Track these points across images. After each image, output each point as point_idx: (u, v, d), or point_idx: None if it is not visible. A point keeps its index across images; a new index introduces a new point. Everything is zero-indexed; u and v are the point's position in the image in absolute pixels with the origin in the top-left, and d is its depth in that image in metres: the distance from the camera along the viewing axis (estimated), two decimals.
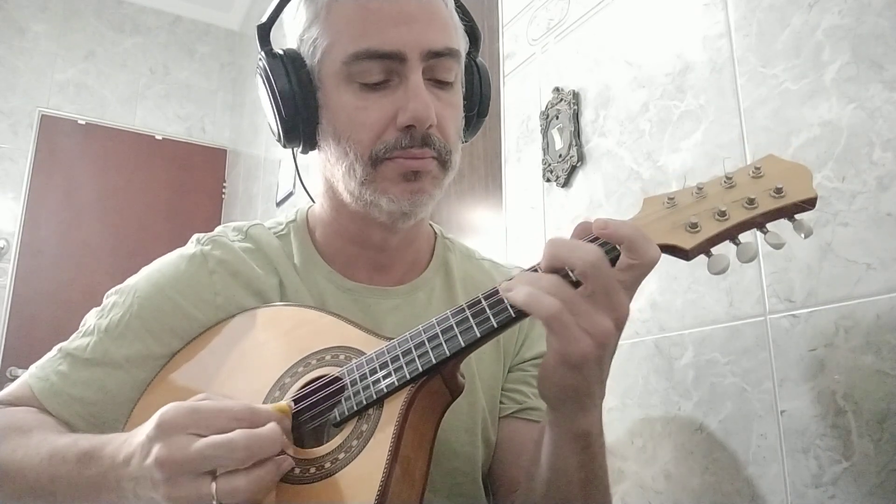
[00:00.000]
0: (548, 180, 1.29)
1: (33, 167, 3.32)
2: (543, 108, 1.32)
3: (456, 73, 0.71)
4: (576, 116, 1.24)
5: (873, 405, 0.73)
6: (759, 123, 0.90)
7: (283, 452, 0.58)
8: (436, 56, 0.68)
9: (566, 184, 1.25)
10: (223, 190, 3.81)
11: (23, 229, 3.24)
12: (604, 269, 0.50)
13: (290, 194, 2.79)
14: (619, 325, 0.51)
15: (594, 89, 1.22)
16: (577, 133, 1.23)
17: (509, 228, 1.41)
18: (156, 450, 0.50)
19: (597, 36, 1.23)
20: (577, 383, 0.52)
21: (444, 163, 0.69)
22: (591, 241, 0.54)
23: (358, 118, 0.67)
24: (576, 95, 1.25)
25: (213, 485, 0.49)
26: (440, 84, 0.70)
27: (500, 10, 1.54)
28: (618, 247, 0.52)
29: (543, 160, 1.30)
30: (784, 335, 0.83)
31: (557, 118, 1.28)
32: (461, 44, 0.73)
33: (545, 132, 1.31)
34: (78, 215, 3.38)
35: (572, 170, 1.23)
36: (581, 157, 1.22)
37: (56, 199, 3.35)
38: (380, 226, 0.72)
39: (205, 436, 0.50)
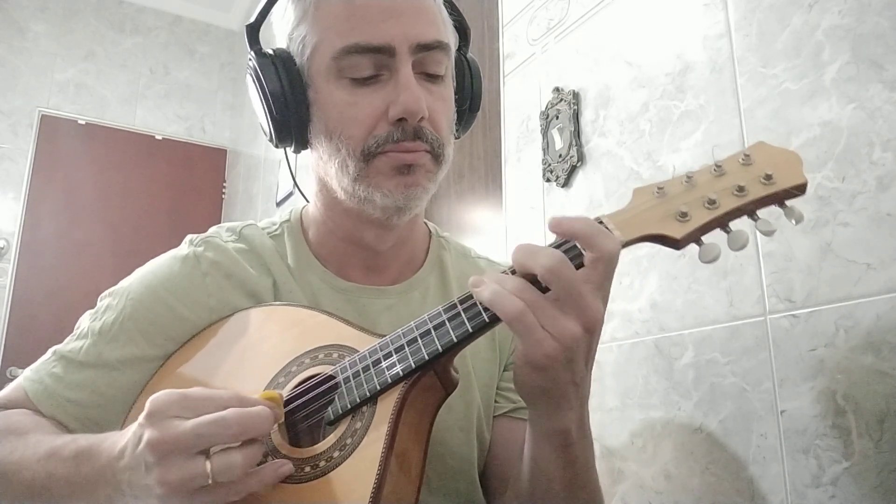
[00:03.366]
0: (548, 180, 1.29)
1: (33, 167, 3.32)
2: (543, 108, 1.32)
3: (446, 66, 0.71)
4: (576, 116, 1.24)
5: (873, 405, 0.72)
6: (759, 123, 0.90)
7: (278, 453, 0.58)
8: (425, 49, 0.68)
9: (566, 184, 1.25)
10: (223, 190, 3.81)
11: (23, 229, 3.24)
12: (564, 272, 0.49)
13: (290, 194, 2.79)
14: (589, 327, 0.50)
15: (594, 89, 1.22)
16: (577, 133, 1.23)
17: (509, 228, 1.41)
18: (147, 434, 0.50)
19: (597, 36, 1.23)
20: (544, 384, 0.52)
21: (437, 156, 0.69)
22: (562, 242, 0.54)
23: (349, 113, 0.67)
24: (576, 95, 1.25)
25: (208, 463, 0.49)
26: (431, 77, 0.69)
27: (500, 10, 1.54)
28: (576, 244, 0.52)
29: (543, 160, 1.30)
30: (784, 335, 0.83)
31: (557, 118, 1.28)
32: (450, 38, 0.73)
33: (545, 132, 1.31)
34: (78, 215, 3.37)
35: (572, 170, 1.23)
36: (581, 157, 1.22)
37: (56, 199, 3.34)
38: (374, 223, 0.72)
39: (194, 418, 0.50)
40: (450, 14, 0.75)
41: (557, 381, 0.52)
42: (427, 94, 0.68)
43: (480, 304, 0.55)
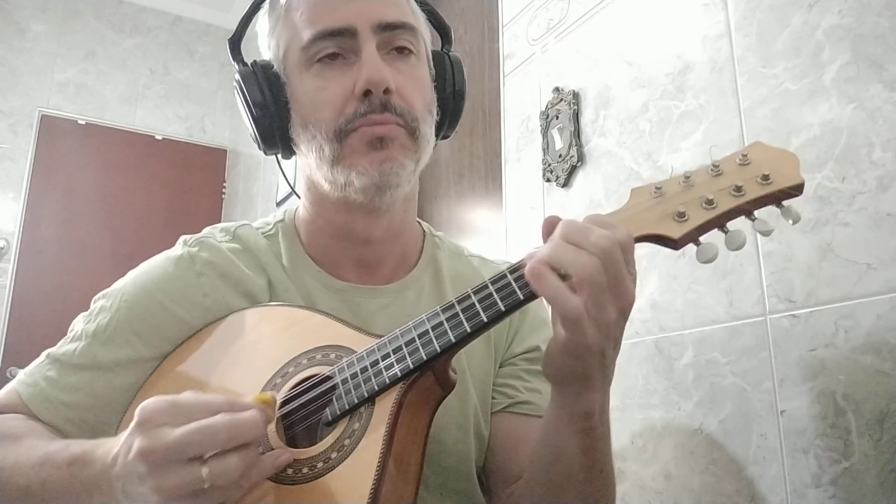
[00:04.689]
0: (548, 180, 1.29)
1: (33, 167, 3.31)
2: (543, 108, 1.32)
3: (415, 46, 0.73)
4: (576, 116, 1.24)
5: (873, 405, 0.72)
6: (759, 123, 0.90)
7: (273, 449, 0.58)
8: (388, 28, 0.70)
9: (566, 184, 1.24)
10: (223, 190, 3.81)
11: (23, 229, 3.23)
12: (616, 256, 0.49)
13: (290, 194, 2.79)
14: (623, 312, 0.51)
15: (594, 89, 1.22)
16: (577, 133, 1.23)
17: (509, 228, 1.41)
18: (137, 443, 0.49)
19: (597, 36, 1.23)
20: (578, 369, 0.53)
21: (411, 131, 0.70)
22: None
23: (319, 98, 0.69)
24: (576, 95, 1.25)
25: (203, 468, 0.48)
26: (399, 57, 0.71)
27: (500, 10, 1.54)
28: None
29: (543, 160, 1.30)
30: (784, 335, 0.83)
31: (557, 118, 1.28)
32: (419, 24, 0.75)
33: (545, 132, 1.30)
34: (78, 215, 3.37)
35: (572, 170, 1.23)
36: (581, 157, 1.22)
37: (56, 199, 3.34)
38: (360, 209, 0.72)
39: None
40: (425, 11, 0.77)
41: (589, 366, 0.53)
42: (396, 72, 0.69)
43: (479, 303, 0.55)
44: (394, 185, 0.70)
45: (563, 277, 0.50)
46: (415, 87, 0.71)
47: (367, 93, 0.67)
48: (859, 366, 0.74)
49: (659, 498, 0.97)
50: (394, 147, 0.69)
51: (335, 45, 0.69)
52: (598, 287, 0.49)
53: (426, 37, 0.77)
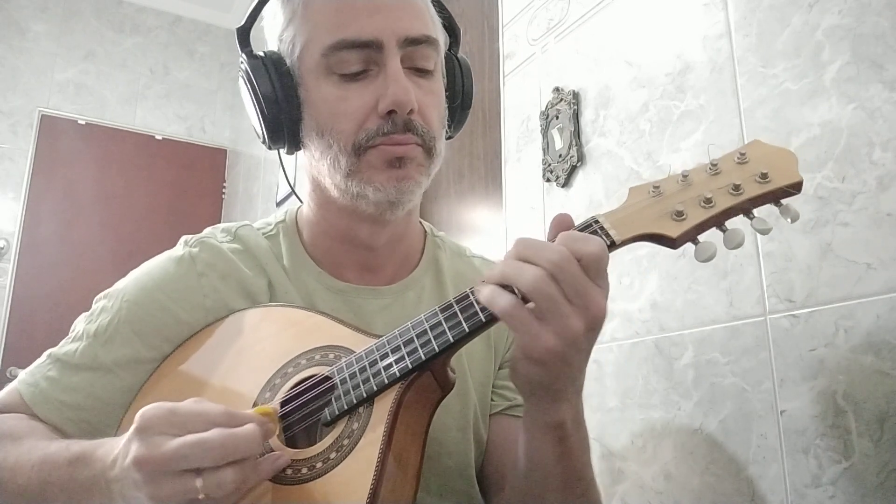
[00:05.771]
0: (548, 180, 1.29)
1: (33, 167, 3.31)
2: (543, 108, 1.32)
3: (435, 61, 0.72)
4: (576, 116, 1.24)
5: (873, 405, 0.72)
6: (759, 123, 0.90)
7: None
8: (413, 43, 0.68)
9: (566, 184, 1.24)
10: (223, 190, 3.81)
11: (23, 229, 3.23)
12: (571, 268, 0.49)
13: (290, 194, 2.79)
14: (592, 324, 0.50)
15: (594, 89, 1.22)
16: (577, 133, 1.23)
17: (509, 228, 1.41)
18: (133, 450, 0.49)
19: (597, 36, 1.23)
20: (542, 378, 0.53)
21: (428, 150, 0.69)
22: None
23: (339, 109, 0.68)
24: (576, 95, 1.25)
25: (199, 480, 0.48)
26: (420, 72, 0.70)
27: (500, 10, 1.54)
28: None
29: (543, 160, 1.30)
30: (784, 335, 0.83)
31: (557, 118, 1.27)
32: (439, 34, 0.74)
33: (545, 132, 1.30)
34: (78, 215, 3.37)
35: (572, 170, 1.23)
36: (581, 157, 1.22)
37: (56, 199, 3.34)
38: (367, 219, 0.72)
39: (181, 436, 0.50)
40: (439, 13, 0.76)
41: (556, 376, 0.52)
42: (416, 88, 0.68)
43: (477, 303, 0.55)
44: (406, 202, 0.70)
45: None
46: (433, 103, 0.71)
47: (390, 111, 0.66)
48: (859, 366, 0.74)
49: (659, 498, 0.97)
50: (411, 166, 0.68)
51: (359, 58, 0.67)
52: (548, 297, 0.49)
53: (442, 42, 0.75)
